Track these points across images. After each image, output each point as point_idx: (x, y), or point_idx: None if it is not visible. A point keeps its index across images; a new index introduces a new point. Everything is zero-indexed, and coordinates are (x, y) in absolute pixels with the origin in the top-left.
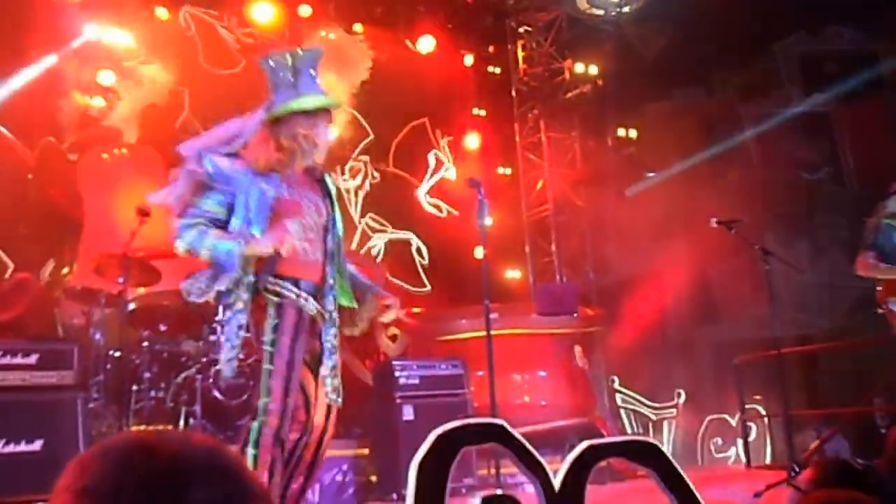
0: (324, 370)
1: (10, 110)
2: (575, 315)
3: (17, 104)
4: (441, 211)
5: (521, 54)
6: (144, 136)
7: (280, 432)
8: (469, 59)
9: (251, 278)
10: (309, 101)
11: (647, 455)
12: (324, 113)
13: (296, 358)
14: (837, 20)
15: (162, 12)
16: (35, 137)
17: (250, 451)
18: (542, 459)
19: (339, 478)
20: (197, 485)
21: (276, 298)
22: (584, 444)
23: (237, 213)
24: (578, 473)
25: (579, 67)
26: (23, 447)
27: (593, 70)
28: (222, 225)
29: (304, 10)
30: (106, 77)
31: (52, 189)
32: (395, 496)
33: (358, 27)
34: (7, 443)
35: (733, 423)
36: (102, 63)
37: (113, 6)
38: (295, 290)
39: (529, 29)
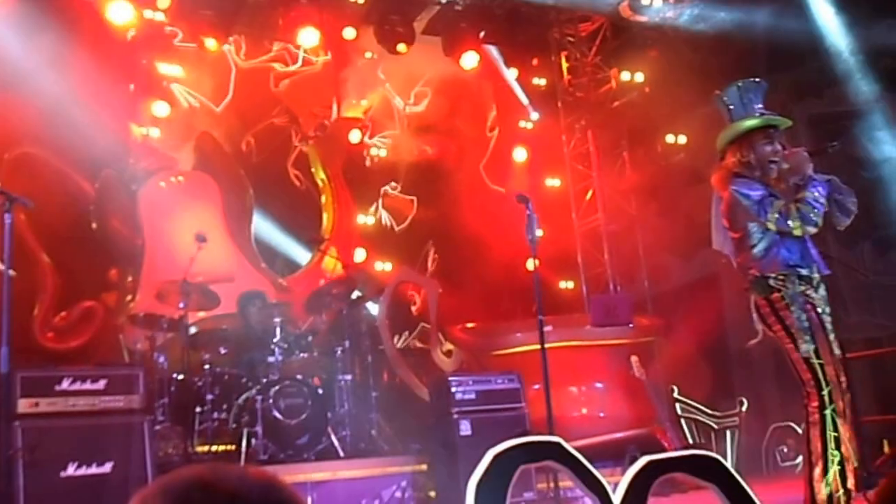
0: None
1: (70, 143)
2: (630, 325)
3: (77, 137)
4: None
5: (565, 65)
6: (199, 163)
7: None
8: (513, 73)
9: None
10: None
11: (708, 469)
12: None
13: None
14: (892, 15)
15: (210, 43)
16: (95, 169)
17: None
18: (600, 476)
19: (398, 494)
20: None
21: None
22: (644, 459)
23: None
24: (639, 489)
25: (625, 76)
26: (94, 469)
27: (639, 77)
28: None
29: (349, 33)
30: (160, 108)
31: (113, 219)
32: None
33: (402, 47)
34: (80, 466)
35: (799, 430)
36: (157, 94)
37: (163, 39)
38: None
39: (573, 39)
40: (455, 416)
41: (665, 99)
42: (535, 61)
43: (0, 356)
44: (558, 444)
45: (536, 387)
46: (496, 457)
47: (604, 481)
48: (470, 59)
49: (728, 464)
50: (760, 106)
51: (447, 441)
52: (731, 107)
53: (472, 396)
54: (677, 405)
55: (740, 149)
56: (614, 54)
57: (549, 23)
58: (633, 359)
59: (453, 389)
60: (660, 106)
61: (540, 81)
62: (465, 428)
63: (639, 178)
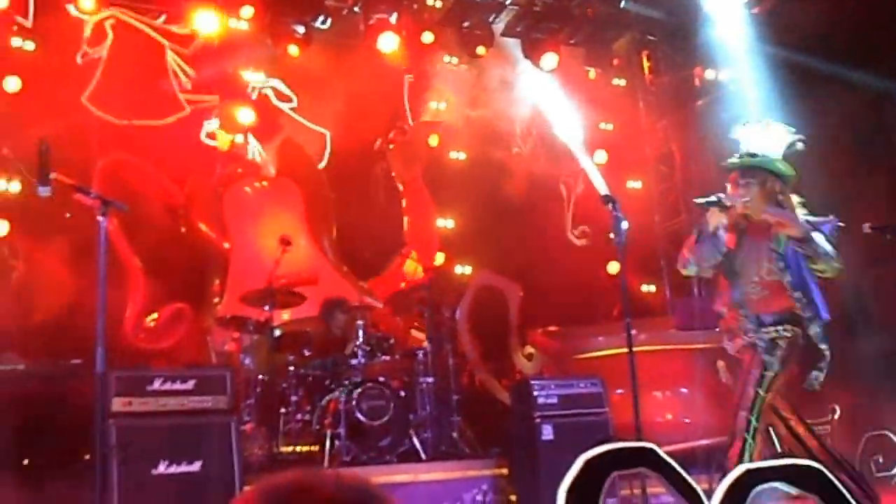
0: None
1: (161, 149)
2: (716, 329)
3: (166, 143)
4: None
5: (646, 64)
6: (283, 169)
7: None
8: (592, 73)
9: None
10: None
11: (809, 479)
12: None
13: None
14: None
15: (293, 50)
16: (184, 174)
17: None
18: (695, 484)
19: (479, 497)
20: None
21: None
22: (742, 467)
23: None
24: (737, 498)
25: (709, 74)
26: (184, 468)
27: (724, 75)
28: None
29: (427, 37)
30: (245, 115)
31: (201, 223)
32: None
33: (481, 50)
34: (170, 464)
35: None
36: (242, 101)
37: (247, 46)
38: None
39: (654, 38)
40: (537, 420)
41: (751, 96)
42: (615, 61)
43: (97, 357)
44: (652, 449)
45: (619, 391)
46: (587, 462)
47: (699, 489)
48: (549, 61)
49: (831, 475)
50: None
51: (529, 445)
52: None
53: (555, 401)
54: None
55: None
56: (697, 51)
57: (629, 22)
58: (720, 364)
59: (535, 393)
60: (746, 103)
61: (620, 82)
62: (548, 432)
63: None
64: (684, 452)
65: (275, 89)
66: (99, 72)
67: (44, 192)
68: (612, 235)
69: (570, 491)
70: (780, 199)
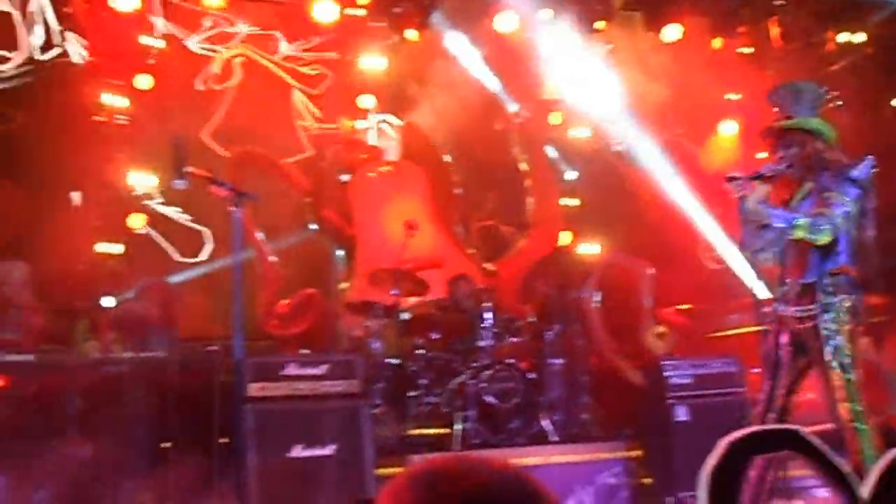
0: None
1: (285, 140)
2: None
3: (290, 134)
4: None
5: (775, 30)
6: (406, 153)
7: None
8: (717, 42)
9: None
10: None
11: None
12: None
13: None
14: None
15: (412, 34)
16: (308, 162)
17: None
18: (844, 467)
19: (611, 480)
20: None
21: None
22: None
23: None
24: (893, 482)
25: (843, 36)
26: (318, 451)
27: (860, 38)
28: None
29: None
30: (366, 101)
31: (326, 210)
32: (671, 499)
33: (600, 24)
34: (307, 447)
35: None
36: (362, 88)
37: (366, 33)
38: None
39: (783, 2)
40: (670, 401)
41: (892, 59)
42: (740, 29)
43: (235, 344)
44: (796, 432)
45: (756, 370)
46: (731, 445)
47: (848, 472)
48: (672, 32)
49: None
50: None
51: (662, 427)
52: None
53: (688, 381)
54: None
55: None
56: (831, 15)
57: None
58: (863, 340)
59: (668, 373)
60: (887, 67)
61: (746, 50)
62: (682, 413)
63: (862, 146)
64: (828, 434)
65: (393, 73)
66: (223, 107)
67: (179, 184)
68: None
69: (713, 474)
70: (826, 157)
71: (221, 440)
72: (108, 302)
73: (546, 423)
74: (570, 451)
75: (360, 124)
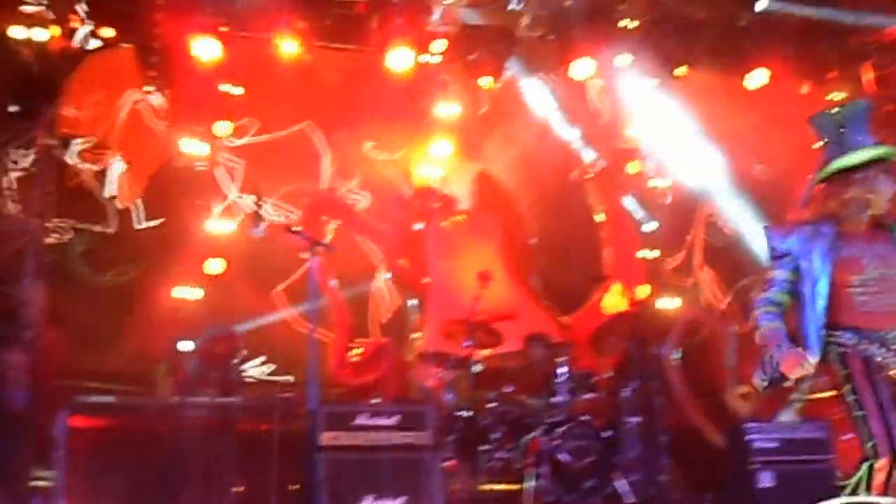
0: None
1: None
2: None
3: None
4: None
5: (870, 76)
6: (479, 202)
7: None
8: (804, 88)
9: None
10: (853, 158)
11: None
12: (876, 164)
13: (882, 397)
14: None
15: (487, 81)
16: (382, 210)
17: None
18: None
19: None
20: None
21: (838, 349)
22: None
23: (805, 278)
24: None
25: None
26: (388, 502)
27: None
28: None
29: (622, 60)
30: (440, 149)
31: (401, 259)
32: None
33: (681, 70)
34: (377, 497)
35: None
36: (435, 136)
37: (439, 82)
38: (855, 338)
39: (878, 46)
40: (754, 465)
41: None
42: (831, 74)
43: (310, 393)
44: None
45: (846, 437)
46: None
47: None
48: (757, 78)
49: None
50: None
51: (745, 493)
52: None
53: (774, 445)
54: None
55: None
56: None
57: (848, 30)
58: None
59: (752, 436)
60: None
61: (838, 96)
62: (766, 479)
63: None
64: None
65: (466, 121)
66: None
67: (257, 232)
68: None
69: None
70: None
71: (292, 486)
72: (185, 346)
73: (621, 484)
74: None
75: (434, 172)
